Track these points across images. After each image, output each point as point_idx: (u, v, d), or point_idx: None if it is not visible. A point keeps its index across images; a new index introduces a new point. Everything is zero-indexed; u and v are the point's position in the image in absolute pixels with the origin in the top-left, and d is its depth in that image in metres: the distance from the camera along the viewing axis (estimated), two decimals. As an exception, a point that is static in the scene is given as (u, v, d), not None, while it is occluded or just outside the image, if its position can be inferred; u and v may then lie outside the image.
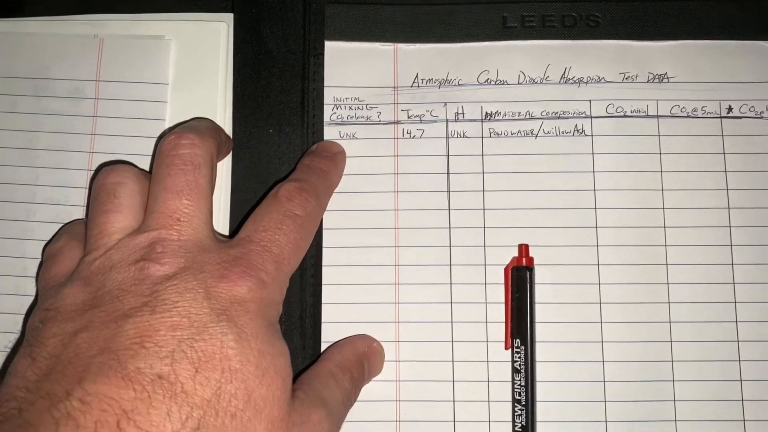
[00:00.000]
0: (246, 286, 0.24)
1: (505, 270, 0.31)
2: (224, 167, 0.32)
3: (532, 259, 0.31)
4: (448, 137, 0.33)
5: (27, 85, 0.33)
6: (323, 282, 0.31)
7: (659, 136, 0.32)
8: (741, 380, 0.30)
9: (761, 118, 0.32)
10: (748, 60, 0.33)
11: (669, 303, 0.31)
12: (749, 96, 0.32)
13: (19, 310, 0.32)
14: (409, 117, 0.33)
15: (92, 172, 0.33)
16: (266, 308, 0.25)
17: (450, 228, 0.32)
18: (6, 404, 0.22)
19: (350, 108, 0.33)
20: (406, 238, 0.32)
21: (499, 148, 0.32)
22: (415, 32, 0.33)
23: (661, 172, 0.32)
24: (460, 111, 0.33)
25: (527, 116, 0.33)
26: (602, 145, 0.32)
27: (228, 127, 0.33)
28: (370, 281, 0.31)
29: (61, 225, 0.32)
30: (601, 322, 0.31)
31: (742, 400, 0.30)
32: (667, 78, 0.33)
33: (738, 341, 0.31)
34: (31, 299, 0.32)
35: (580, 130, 0.32)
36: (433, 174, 0.32)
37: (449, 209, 0.32)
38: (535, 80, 0.33)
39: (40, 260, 0.31)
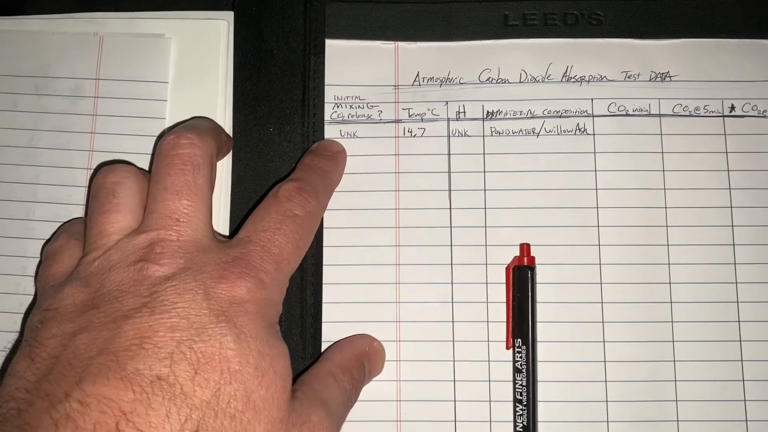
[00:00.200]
0: (245, 287, 0.24)
1: (507, 269, 0.31)
2: (224, 166, 0.32)
3: (533, 258, 0.31)
4: (449, 136, 0.32)
5: (28, 84, 0.33)
6: (324, 281, 0.31)
7: (661, 134, 0.32)
8: (743, 380, 0.30)
9: (764, 116, 0.32)
10: (751, 59, 0.33)
11: (671, 302, 0.31)
12: (752, 95, 0.32)
13: (19, 309, 0.32)
14: (410, 116, 0.33)
15: (92, 171, 0.32)
16: (265, 309, 0.24)
17: (451, 227, 0.32)
18: (5, 405, 0.22)
19: (351, 107, 0.33)
20: (407, 237, 0.31)
21: (501, 147, 0.32)
22: (416, 30, 0.33)
23: (663, 171, 0.32)
24: (461, 110, 0.33)
25: (529, 115, 0.32)
26: (604, 144, 0.32)
27: (228, 126, 0.33)
28: (371, 280, 0.31)
29: (60, 224, 0.32)
30: (603, 322, 0.31)
31: (745, 401, 0.30)
32: (670, 77, 0.33)
33: (740, 341, 0.30)
34: (31, 298, 0.32)
35: (582, 129, 0.32)
36: (434, 173, 0.32)
37: (450, 208, 0.32)
38: (537, 79, 0.33)
39: (39, 259, 0.31)
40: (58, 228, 0.30)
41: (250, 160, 0.32)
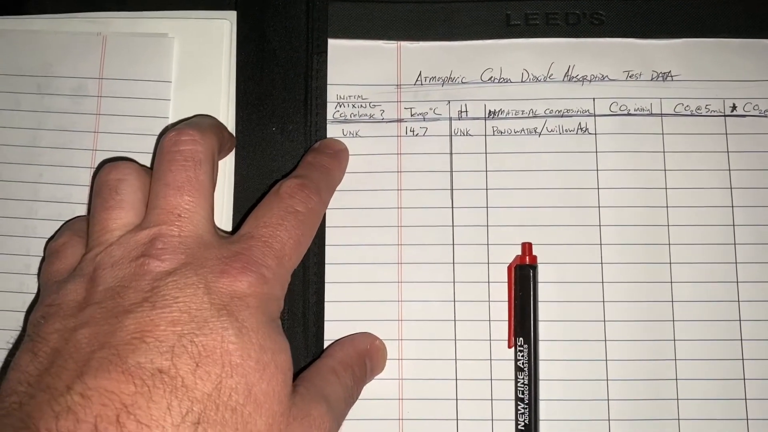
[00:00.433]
0: (246, 281, 0.24)
1: (509, 268, 0.31)
2: (227, 165, 0.32)
3: (535, 257, 0.31)
4: (451, 135, 0.32)
5: (30, 83, 0.33)
6: (326, 280, 0.31)
7: (663, 134, 0.32)
8: (744, 379, 0.30)
9: (765, 116, 0.32)
10: (753, 58, 0.33)
11: (672, 301, 0.31)
12: (753, 94, 0.32)
13: (22, 307, 0.32)
14: (412, 115, 0.33)
15: (95, 170, 0.33)
16: (267, 303, 0.25)
17: (453, 226, 0.32)
18: (7, 399, 0.22)
19: (353, 106, 0.33)
20: (410, 237, 0.32)
21: (503, 146, 0.32)
22: (419, 30, 0.33)
23: (665, 170, 0.32)
24: (463, 109, 0.33)
25: (531, 114, 0.32)
26: (606, 144, 0.32)
27: (231, 125, 0.33)
28: (373, 279, 0.31)
29: (63, 223, 0.32)
30: (605, 321, 0.31)
31: (746, 399, 0.30)
32: (671, 76, 0.33)
33: (741, 340, 0.31)
34: (34, 296, 0.32)
35: (584, 129, 0.32)
36: (436, 172, 0.32)
37: (452, 207, 0.32)
38: (539, 78, 0.33)
39: (42, 256, 0.31)
40: (61, 226, 0.30)
41: (253, 160, 0.32)
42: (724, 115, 0.32)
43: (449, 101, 0.33)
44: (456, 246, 0.31)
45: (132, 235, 0.25)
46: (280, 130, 0.32)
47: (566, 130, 0.32)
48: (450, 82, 0.33)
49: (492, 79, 0.33)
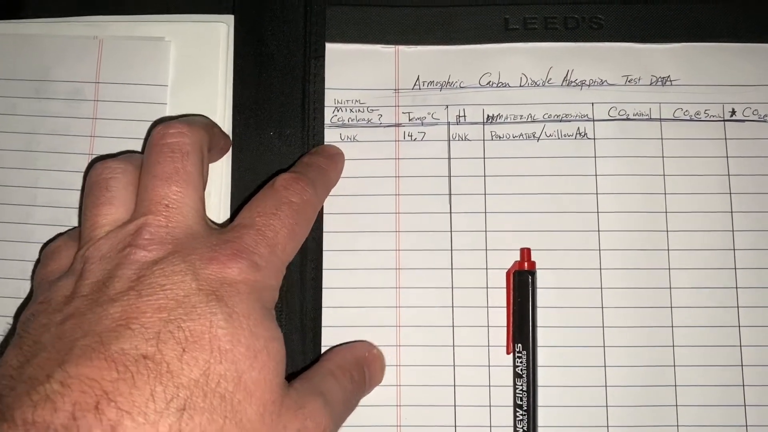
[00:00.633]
0: (237, 268, 0.23)
1: (507, 274, 0.31)
2: (224, 170, 0.32)
3: (534, 263, 0.31)
4: (449, 140, 0.32)
5: (27, 87, 0.33)
6: (323, 285, 0.31)
7: (662, 139, 0.32)
8: (743, 385, 0.30)
9: (764, 121, 0.32)
10: (752, 63, 0.33)
11: (671, 307, 0.31)
12: (753, 99, 0.32)
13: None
14: (410, 119, 0.33)
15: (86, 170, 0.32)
16: (260, 291, 0.24)
17: (451, 231, 0.32)
18: None
19: (351, 110, 0.33)
20: (408, 242, 0.31)
21: (501, 151, 0.32)
22: (417, 34, 0.33)
23: (664, 175, 0.32)
24: (461, 113, 0.32)
25: (529, 119, 0.32)
26: (605, 149, 0.32)
27: (228, 130, 0.32)
28: (371, 285, 0.31)
29: (60, 227, 0.32)
30: (603, 327, 0.31)
31: (745, 405, 0.30)
32: (670, 81, 0.32)
33: (740, 346, 0.30)
34: (24, 298, 0.32)
35: (583, 133, 0.32)
36: (434, 177, 0.32)
37: (450, 212, 0.32)
38: (537, 83, 0.33)
39: (36, 259, 0.31)
40: (57, 234, 0.30)
41: (250, 164, 0.32)
42: (724, 120, 0.32)
43: (447, 106, 0.33)
44: (454, 251, 0.31)
45: (120, 228, 0.25)
46: (278, 134, 0.32)
47: (565, 135, 0.32)
48: (448, 86, 0.33)
49: (490, 83, 0.33)
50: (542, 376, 0.30)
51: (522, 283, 0.30)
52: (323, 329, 0.31)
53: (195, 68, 0.33)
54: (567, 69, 0.33)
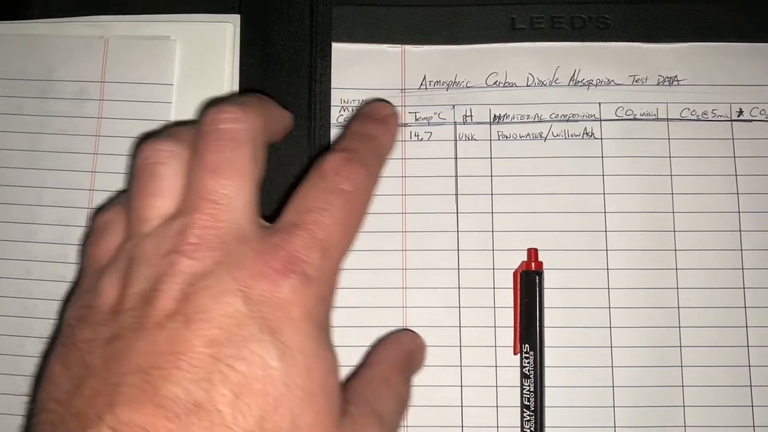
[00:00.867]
0: (288, 286, 0.21)
1: (514, 274, 0.31)
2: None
3: (541, 263, 0.31)
4: (456, 140, 0.32)
5: (33, 87, 0.33)
6: (330, 286, 0.31)
7: (669, 139, 0.32)
8: (751, 386, 0.30)
9: (772, 121, 0.32)
10: (759, 62, 0.32)
11: (678, 308, 0.31)
12: (760, 99, 0.32)
13: (23, 313, 0.32)
14: (416, 119, 0.32)
15: (96, 174, 0.32)
16: (314, 308, 0.22)
17: (458, 231, 0.31)
18: (40, 415, 0.21)
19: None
20: (414, 242, 0.31)
21: (508, 151, 0.32)
22: (423, 34, 0.33)
23: (671, 175, 0.32)
24: (468, 113, 0.32)
25: (536, 119, 0.32)
26: (612, 149, 0.32)
27: (234, 129, 0.32)
28: (378, 285, 0.31)
29: (66, 227, 0.32)
30: (611, 327, 0.31)
31: (752, 406, 0.30)
32: (677, 81, 0.32)
33: (748, 346, 0.30)
34: (35, 302, 0.32)
35: (590, 133, 0.32)
36: (441, 177, 0.32)
37: (457, 212, 0.32)
38: (544, 82, 0.33)
39: (87, 229, 0.30)
40: (112, 197, 0.28)
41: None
42: (731, 120, 0.32)
43: (454, 105, 0.32)
44: (461, 251, 0.31)
45: (165, 226, 0.23)
46: (284, 134, 0.32)
47: (572, 135, 0.32)
48: (455, 86, 0.33)
49: (497, 83, 0.33)
50: (549, 376, 0.30)
51: (529, 283, 0.30)
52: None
53: (201, 68, 0.33)
54: (574, 69, 0.33)
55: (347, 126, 0.28)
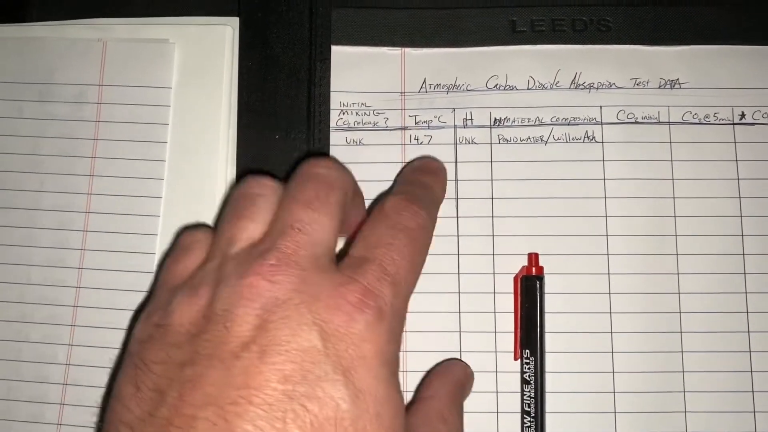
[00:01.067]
0: (363, 321, 0.22)
1: (515, 279, 0.31)
2: (228, 174, 0.32)
3: (542, 268, 0.30)
4: (456, 143, 0.32)
5: (31, 91, 0.33)
6: (330, 290, 0.31)
7: (671, 142, 0.32)
8: (753, 391, 0.30)
9: (774, 124, 0.32)
10: (762, 65, 0.32)
11: (680, 313, 0.30)
12: (762, 102, 0.32)
13: (22, 318, 0.31)
14: (416, 123, 0.32)
15: (94, 178, 0.32)
16: (384, 346, 0.22)
17: (458, 236, 0.31)
18: None
19: (357, 113, 0.32)
20: (414, 247, 0.31)
21: (508, 155, 0.32)
22: (423, 37, 0.33)
23: (673, 179, 0.31)
24: (468, 117, 0.32)
25: (537, 122, 0.32)
26: (613, 152, 0.32)
27: (232, 133, 0.32)
28: (377, 290, 0.31)
29: (65, 231, 0.32)
30: (612, 332, 0.30)
31: (754, 412, 0.30)
32: (679, 84, 0.32)
33: (750, 351, 0.30)
34: (34, 307, 0.31)
35: (591, 137, 0.32)
36: (441, 181, 0.32)
37: (457, 217, 0.31)
38: (545, 86, 0.32)
39: (169, 245, 0.30)
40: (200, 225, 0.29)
41: (255, 168, 0.32)
42: (733, 123, 0.32)
43: (454, 109, 0.32)
44: (461, 256, 0.31)
45: (251, 249, 0.23)
46: (283, 138, 0.32)
47: (573, 139, 0.32)
48: (455, 89, 0.32)
49: (498, 86, 0.32)
50: (550, 382, 0.30)
51: (530, 288, 0.30)
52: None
53: (199, 71, 0.33)
54: (575, 72, 0.32)
55: (400, 175, 0.31)
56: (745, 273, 0.31)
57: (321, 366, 0.21)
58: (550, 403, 0.30)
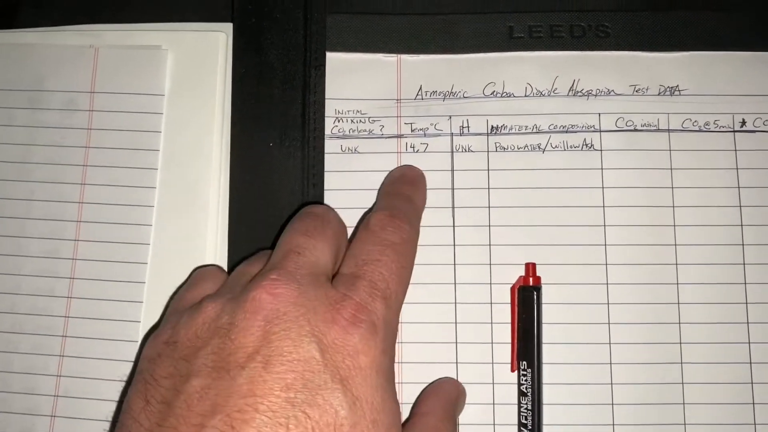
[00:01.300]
0: (358, 334, 0.23)
1: (512, 289, 0.30)
2: (222, 182, 0.32)
3: (539, 278, 0.30)
4: (452, 151, 0.32)
5: (22, 98, 0.33)
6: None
7: (670, 150, 0.31)
8: (753, 403, 0.30)
9: (775, 131, 0.31)
10: (762, 72, 0.32)
11: (680, 323, 0.30)
12: (763, 109, 0.31)
13: (12, 328, 0.31)
14: (412, 130, 0.32)
15: (86, 187, 0.32)
16: (379, 358, 0.23)
17: (455, 245, 0.31)
18: None
19: (352, 121, 0.32)
20: (410, 256, 0.31)
21: (506, 163, 0.31)
22: (419, 43, 0.32)
23: (672, 188, 0.31)
24: (465, 124, 0.32)
25: (534, 130, 0.32)
26: (612, 160, 0.31)
27: (226, 140, 0.32)
28: (373, 300, 0.30)
29: (55, 240, 0.31)
30: (610, 343, 0.30)
31: (755, 424, 0.29)
32: (679, 90, 0.32)
33: (750, 363, 0.30)
34: (24, 317, 0.31)
35: (589, 145, 0.31)
36: (437, 189, 0.31)
37: (454, 226, 0.31)
38: (543, 93, 0.32)
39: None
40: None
41: (249, 176, 0.31)
42: (734, 131, 0.31)
43: (450, 116, 0.32)
44: (457, 266, 0.31)
45: (258, 274, 0.25)
46: (278, 146, 0.32)
47: (571, 146, 0.31)
48: (451, 96, 0.32)
49: (495, 93, 0.32)
50: (547, 394, 0.29)
51: (527, 298, 0.29)
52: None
53: (193, 77, 0.32)
54: (573, 78, 0.32)
55: (382, 188, 0.31)
56: (745, 283, 0.30)
57: (320, 375, 0.22)
58: (548, 415, 0.29)
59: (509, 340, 0.30)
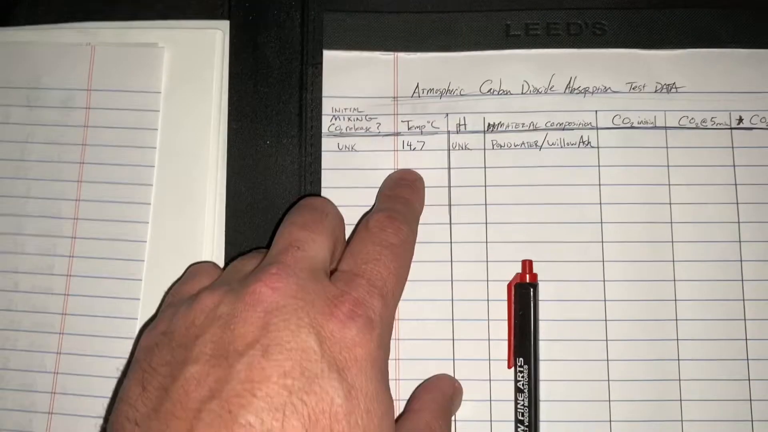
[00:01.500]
0: (355, 328, 0.23)
1: (509, 286, 0.30)
2: (219, 181, 0.32)
3: (536, 275, 0.30)
4: (449, 149, 0.32)
5: (19, 96, 0.33)
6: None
7: (667, 147, 0.31)
8: (750, 400, 0.30)
9: (772, 128, 0.31)
10: (759, 69, 0.32)
11: (676, 320, 0.30)
12: (760, 106, 0.31)
13: (9, 326, 0.31)
14: (409, 128, 0.32)
15: (82, 184, 0.32)
16: (376, 352, 0.24)
17: (451, 243, 0.31)
18: None
19: (349, 119, 0.32)
20: (407, 254, 0.31)
21: (502, 161, 0.31)
22: (416, 41, 0.32)
23: (669, 185, 0.31)
24: (461, 122, 0.32)
25: (531, 127, 0.32)
26: (608, 158, 0.31)
27: (223, 139, 0.32)
28: (370, 297, 0.30)
29: (51, 238, 0.31)
30: (607, 340, 0.30)
31: (752, 420, 0.29)
32: (676, 88, 0.32)
33: (747, 360, 0.30)
34: (21, 315, 0.31)
35: (586, 142, 0.31)
36: (434, 187, 0.31)
37: (450, 223, 0.31)
38: (540, 90, 0.32)
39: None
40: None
41: (246, 174, 0.31)
42: (731, 128, 0.31)
43: (447, 114, 0.32)
44: (454, 263, 0.31)
45: (257, 268, 0.25)
46: (275, 143, 0.32)
47: (568, 144, 0.31)
48: (448, 94, 0.32)
49: (491, 91, 0.32)
50: (544, 390, 0.29)
51: (524, 295, 0.29)
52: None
53: (189, 75, 0.32)
54: (570, 76, 0.32)
55: (381, 191, 0.31)
56: (742, 280, 0.30)
57: (318, 364, 0.22)
58: (544, 411, 0.29)
59: (506, 337, 0.30)
